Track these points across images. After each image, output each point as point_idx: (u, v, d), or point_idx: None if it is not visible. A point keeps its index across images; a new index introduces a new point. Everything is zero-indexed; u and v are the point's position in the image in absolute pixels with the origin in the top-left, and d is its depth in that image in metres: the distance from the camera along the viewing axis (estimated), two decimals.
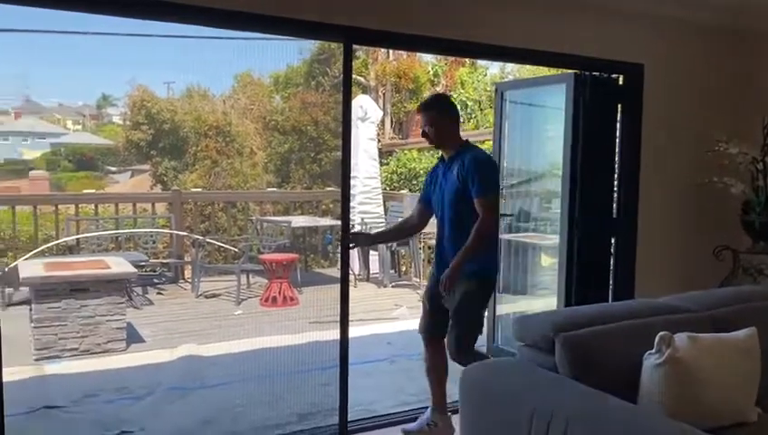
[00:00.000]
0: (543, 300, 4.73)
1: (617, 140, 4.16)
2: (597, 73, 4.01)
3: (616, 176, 4.19)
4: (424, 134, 3.26)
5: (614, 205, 4.22)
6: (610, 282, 4.22)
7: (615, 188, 4.20)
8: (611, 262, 4.22)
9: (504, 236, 4.75)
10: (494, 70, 13.13)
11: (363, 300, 7.00)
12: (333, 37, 3.24)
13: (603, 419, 1.89)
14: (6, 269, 6.30)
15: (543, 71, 9.02)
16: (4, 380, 2.63)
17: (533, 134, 4.87)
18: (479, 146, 3.51)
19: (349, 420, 3.62)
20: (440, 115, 3.20)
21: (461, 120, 3.91)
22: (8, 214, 6.97)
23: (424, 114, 3.22)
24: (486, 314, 3.56)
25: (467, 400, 2.28)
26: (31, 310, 4.91)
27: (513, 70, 12.52)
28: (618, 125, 4.14)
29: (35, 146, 31.86)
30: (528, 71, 11.64)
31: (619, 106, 4.13)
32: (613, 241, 4.22)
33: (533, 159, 4.92)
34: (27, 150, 30.71)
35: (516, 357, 2.49)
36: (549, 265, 4.85)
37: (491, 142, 7.96)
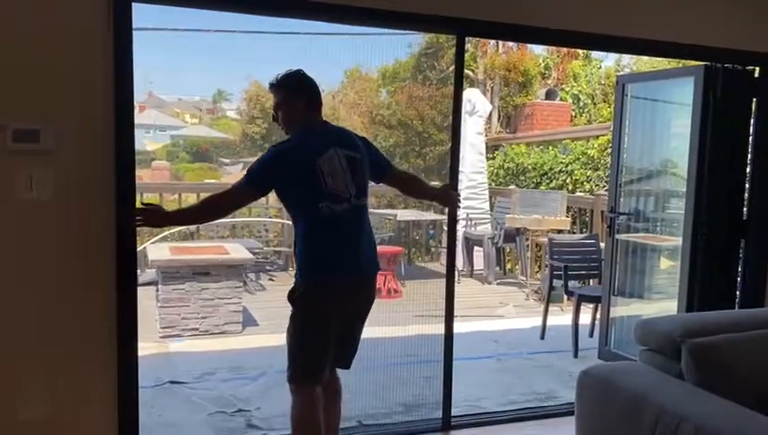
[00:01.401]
0: (660, 304, 4.52)
1: (750, 138, 3.88)
2: (729, 65, 3.77)
3: (747, 175, 3.93)
4: (274, 118, 2.74)
5: (744, 206, 3.96)
6: (737, 288, 3.97)
7: (746, 189, 3.93)
8: (739, 267, 3.96)
9: (619, 237, 4.59)
10: (608, 62, 12.64)
11: (467, 296, 6.97)
12: (447, 29, 3.20)
13: (737, 431, 1.78)
14: None
15: (663, 63, 8.59)
16: None
17: (654, 129, 4.66)
18: (361, 135, 2.87)
19: (455, 414, 3.63)
20: (291, 97, 2.65)
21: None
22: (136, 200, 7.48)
23: (274, 95, 2.71)
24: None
25: (586, 398, 2.23)
26: (157, 290, 5.26)
27: (629, 62, 12.01)
28: (752, 121, 3.86)
29: (157, 138, 34.06)
30: (645, 63, 11.11)
31: (755, 100, 3.85)
32: (742, 245, 3.95)
33: (652, 157, 4.71)
34: (150, 142, 32.86)
35: (637, 362, 2.40)
36: (666, 267, 4.64)
37: (604, 138, 7.73)
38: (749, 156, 3.90)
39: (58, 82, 2.53)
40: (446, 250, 3.80)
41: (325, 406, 2.76)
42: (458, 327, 5.64)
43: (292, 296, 2.63)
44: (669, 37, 3.55)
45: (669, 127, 4.60)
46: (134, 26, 2.63)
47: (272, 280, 7.35)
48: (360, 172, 2.65)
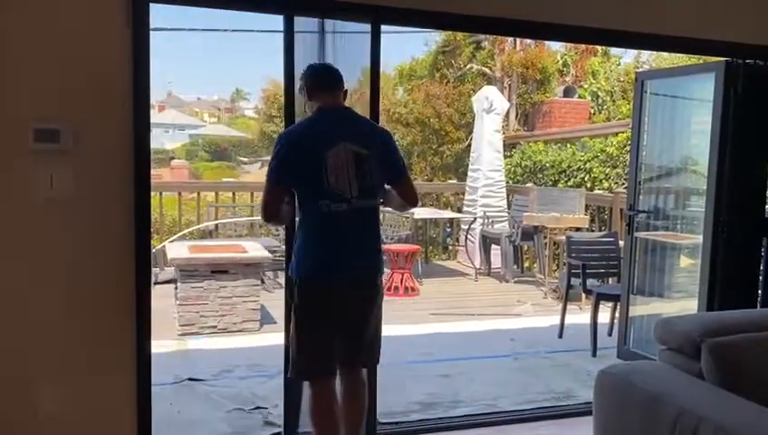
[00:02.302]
0: (680, 303, 4.47)
1: None
2: (751, 61, 3.71)
3: None
4: None
5: (766, 204, 3.90)
6: (759, 287, 3.91)
7: None
8: (761, 265, 3.90)
9: (638, 235, 4.55)
10: (627, 59, 12.53)
11: (484, 294, 6.95)
12: (360, 17, 3.07)
13: (758, 432, 1.76)
14: (154, 250, 6.83)
15: (683, 59, 8.47)
16: (153, 351, 2.83)
17: (674, 126, 4.60)
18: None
19: (470, 413, 3.64)
20: (304, 87, 2.73)
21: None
22: (155, 199, 7.56)
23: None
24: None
25: (605, 397, 2.22)
26: (176, 289, 5.30)
27: (648, 59, 11.88)
28: None
29: (176, 137, 34.37)
30: (665, 59, 10.99)
31: None
32: (764, 243, 3.90)
33: (671, 154, 4.66)
34: (169, 141, 33.17)
35: (656, 361, 2.38)
36: (686, 266, 4.58)
37: (623, 135, 7.65)
38: None
39: (76, 82, 2.56)
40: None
41: (346, 405, 2.75)
42: (475, 326, 5.69)
43: (288, 291, 2.66)
44: (688, 33, 3.50)
45: (689, 124, 4.55)
46: (153, 26, 2.66)
47: None
48: (367, 171, 2.57)
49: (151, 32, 2.67)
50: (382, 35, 3.12)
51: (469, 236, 8.14)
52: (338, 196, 2.52)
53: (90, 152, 2.59)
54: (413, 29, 6.74)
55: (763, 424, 1.81)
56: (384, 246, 7.11)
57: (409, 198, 2.78)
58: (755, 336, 2.22)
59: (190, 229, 7.63)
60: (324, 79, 2.69)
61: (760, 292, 3.91)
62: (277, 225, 2.49)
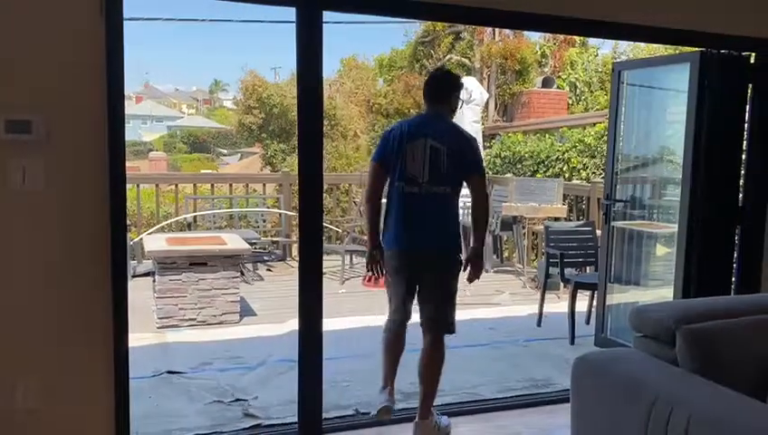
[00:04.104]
0: (656, 291, 4.53)
1: (746, 124, 3.88)
2: (725, 51, 3.75)
3: (743, 162, 3.93)
4: None
5: (740, 193, 3.96)
6: (733, 274, 3.98)
7: (742, 175, 3.93)
8: (735, 253, 3.97)
9: (615, 224, 4.60)
10: (605, 50, 12.62)
11: (463, 284, 6.96)
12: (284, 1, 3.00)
13: (731, 417, 1.79)
14: (132, 243, 6.76)
15: (661, 49, 8.55)
16: (131, 345, 2.80)
17: (651, 117, 4.65)
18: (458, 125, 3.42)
19: (451, 402, 3.66)
20: None
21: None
22: (133, 192, 7.47)
23: None
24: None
25: (582, 384, 2.24)
26: (154, 281, 5.26)
27: (626, 49, 11.98)
28: (748, 107, 3.86)
29: (154, 129, 34.01)
30: (642, 50, 11.09)
31: (750, 87, 3.84)
32: (738, 231, 3.96)
33: (648, 144, 4.71)
34: (146, 133, 32.82)
35: (632, 348, 2.41)
36: (662, 254, 4.65)
37: (601, 125, 7.72)
38: (745, 142, 3.90)
39: (48, 71, 2.51)
40: None
41: (421, 360, 3.26)
42: (456, 315, 5.69)
43: None
44: (664, 23, 3.52)
45: (665, 114, 4.60)
46: (130, 16, 2.62)
47: (270, 270, 7.34)
48: (440, 163, 3.06)
49: (127, 21, 2.63)
50: (362, 26, 3.15)
51: None
52: (411, 180, 3.10)
53: (63, 144, 2.55)
54: (393, 19, 6.70)
55: (735, 409, 1.84)
56: (364, 237, 7.14)
57: (478, 200, 3.20)
58: (728, 323, 2.26)
59: (168, 222, 7.55)
60: (430, 92, 3.25)
61: (734, 279, 3.98)
62: (370, 211, 3.28)
